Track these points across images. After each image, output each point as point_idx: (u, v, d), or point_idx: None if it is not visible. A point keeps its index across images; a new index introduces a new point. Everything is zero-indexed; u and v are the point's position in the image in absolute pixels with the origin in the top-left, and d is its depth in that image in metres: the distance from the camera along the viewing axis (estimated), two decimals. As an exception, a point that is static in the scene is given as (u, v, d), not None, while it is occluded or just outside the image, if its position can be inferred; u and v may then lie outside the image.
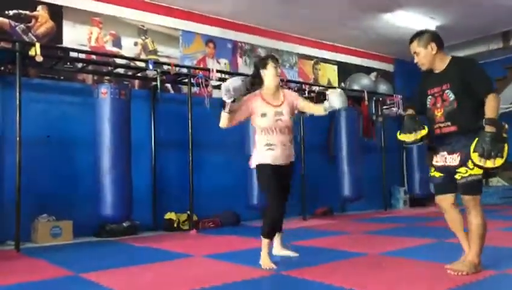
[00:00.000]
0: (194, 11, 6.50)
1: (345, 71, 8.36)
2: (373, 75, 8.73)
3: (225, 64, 6.83)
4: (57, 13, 5.41)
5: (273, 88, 3.35)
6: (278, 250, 3.56)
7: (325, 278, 2.81)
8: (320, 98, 7.27)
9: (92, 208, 4.90)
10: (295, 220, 6.45)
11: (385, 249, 3.84)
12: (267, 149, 3.27)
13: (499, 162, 2.57)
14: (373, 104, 7.90)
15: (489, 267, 2.89)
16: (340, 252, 3.79)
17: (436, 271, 2.90)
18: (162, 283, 2.91)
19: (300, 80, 7.56)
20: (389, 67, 9.17)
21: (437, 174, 2.94)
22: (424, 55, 2.90)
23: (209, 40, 6.71)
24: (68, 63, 5.23)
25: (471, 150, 2.63)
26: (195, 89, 5.81)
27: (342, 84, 8.19)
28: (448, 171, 2.84)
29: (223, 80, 6.24)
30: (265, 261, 3.20)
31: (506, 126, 2.68)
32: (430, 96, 2.94)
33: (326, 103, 3.32)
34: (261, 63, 3.41)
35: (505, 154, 2.58)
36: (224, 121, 3.25)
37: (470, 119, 2.74)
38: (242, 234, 5.15)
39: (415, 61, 2.98)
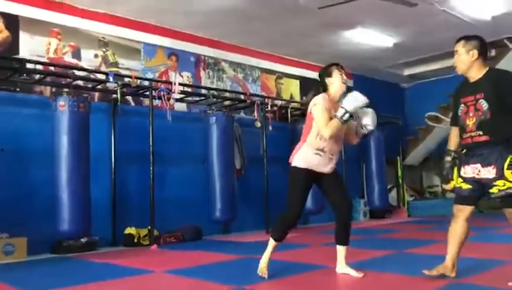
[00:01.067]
0: (156, 24, 6.47)
1: (307, 86, 8.48)
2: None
3: (188, 77, 6.81)
4: (13, 23, 5.27)
5: (338, 96, 3.27)
6: (342, 267, 3.37)
7: (286, 291, 2.81)
8: (282, 112, 7.37)
9: (48, 223, 4.74)
10: (258, 233, 6.45)
11: (348, 262, 3.88)
12: (315, 153, 3.23)
13: None
14: (334, 118, 8.03)
15: (447, 276, 2.96)
16: (301, 265, 3.81)
17: (395, 282, 2.96)
18: (121, 300, 2.84)
19: (263, 94, 7.62)
20: (349, 82, 9.33)
21: (464, 186, 2.91)
22: (462, 59, 2.92)
23: (171, 53, 6.68)
24: (25, 75, 5.08)
25: (505, 167, 2.66)
26: (157, 102, 5.76)
27: (304, 98, 8.31)
28: (480, 184, 2.83)
29: (185, 92, 6.25)
30: (261, 267, 3.25)
31: None
32: (462, 105, 2.93)
33: (359, 128, 3.31)
34: (325, 72, 3.36)
35: None
36: (336, 130, 3.14)
37: (503, 130, 2.75)
38: (204, 248, 5.11)
39: (454, 60, 2.98)
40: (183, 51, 6.80)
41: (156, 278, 3.56)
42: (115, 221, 5.68)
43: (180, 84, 5.99)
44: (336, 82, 3.28)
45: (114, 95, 5.68)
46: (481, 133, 2.80)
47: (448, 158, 3.02)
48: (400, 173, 9.17)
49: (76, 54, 5.75)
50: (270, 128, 6.98)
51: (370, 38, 7.38)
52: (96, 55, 5.93)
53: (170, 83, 5.96)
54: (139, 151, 5.85)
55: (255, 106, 6.83)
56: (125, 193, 5.87)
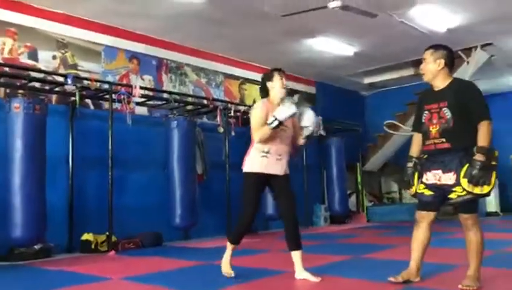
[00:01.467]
0: (117, 26, 6.37)
1: (270, 92, 8.53)
2: (296, 96, 9.00)
3: (149, 81, 6.73)
4: (-35, 21, 5.07)
5: (278, 99, 3.45)
6: (300, 272, 3.38)
7: (244, 297, 2.81)
8: (245, 117, 7.39)
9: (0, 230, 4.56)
10: (219, 239, 6.41)
11: (305, 266, 3.92)
12: (262, 156, 3.36)
13: (486, 189, 2.70)
14: (296, 125, 8.11)
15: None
16: (260, 271, 3.82)
17: (353, 286, 3.01)
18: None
19: (227, 99, 7.62)
20: (311, 89, 9.52)
21: (427, 192, 2.98)
22: (429, 67, 3.00)
23: (133, 56, 6.59)
24: (-23, 75, 4.90)
25: (461, 175, 2.74)
26: (117, 105, 5.66)
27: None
28: (441, 190, 2.90)
29: (146, 96, 6.16)
30: (225, 267, 3.35)
31: (497, 153, 2.80)
32: (426, 112, 3.00)
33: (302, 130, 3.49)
34: (267, 76, 3.54)
35: (492, 181, 2.71)
36: (267, 136, 3.31)
37: (463, 139, 2.83)
38: (164, 254, 5.04)
39: (420, 67, 3.08)
40: (145, 55, 6.72)
41: (112, 286, 3.49)
42: (72, 227, 5.53)
43: (141, 87, 5.91)
44: (276, 86, 3.46)
45: (73, 98, 5.53)
46: (444, 140, 2.89)
47: (410, 164, 3.10)
48: (359, 179, 9.35)
49: (33, 55, 5.58)
50: (233, 133, 6.99)
51: (332, 46, 7.52)
52: (54, 57, 5.77)
53: (131, 86, 5.88)
54: (98, 155, 5.73)
55: (218, 111, 6.82)
56: (83, 198, 5.72)
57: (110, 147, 5.42)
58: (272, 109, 3.37)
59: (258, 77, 8.30)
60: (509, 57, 8.42)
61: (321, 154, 9.00)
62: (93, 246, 5.38)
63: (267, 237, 6.86)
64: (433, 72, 3.00)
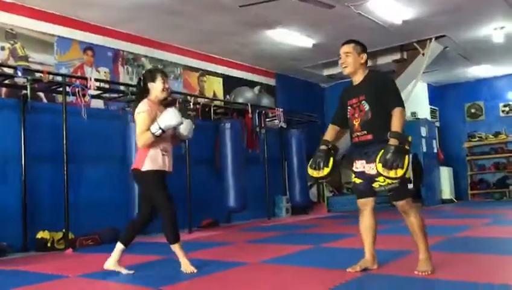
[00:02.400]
0: (71, 16, 6.15)
1: (230, 84, 8.51)
2: (256, 88, 9.00)
3: (105, 73, 6.55)
4: None
5: (159, 101, 3.52)
6: (114, 263, 3.49)
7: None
8: (205, 110, 7.33)
9: None
10: (180, 233, 6.34)
11: (266, 257, 3.94)
12: (162, 155, 3.43)
13: (400, 172, 2.76)
14: (256, 117, 8.14)
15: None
16: (222, 263, 3.80)
17: (313, 275, 3.04)
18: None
19: (186, 91, 7.53)
20: (271, 81, 9.53)
21: (357, 180, 3.10)
22: (353, 60, 3.08)
23: (87, 47, 6.38)
24: None
25: (377, 160, 2.81)
26: (71, 99, 5.48)
27: (227, 97, 8.32)
28: (367, 179, 3.01)
29: (102, 89, 5.99)
30: (187, 267, 3.34)
31: (410, 138, 2.91)
32: (349, 107, 3.14)
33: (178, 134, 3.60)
34: (150, 75, 3.53)
35: (405, 165, 2.78)
36: (150, 142, 3.36)
37: (383, 129, 2.91)
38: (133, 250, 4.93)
39: (341, 61, 3.13)
40: (100, 46, 6.52)
41: (69, 283, 3.39)
42: (26, 225, 5.32)
43: (96, 80, 5.74)
44: (158, 88, 3.49)
45: (24, 91, 5.31)
46: (365, 132, 3.03)
47: (323, 147, 3.18)
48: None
49: (-20, 46, 5.31)
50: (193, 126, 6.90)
51: (291, 38, 7.54)
52: (2, 48, 5.51)
53: (86, 78, 5.69)
54: (52, 150, 5.54)
55: (177, 103, 6.72)
56: (37, 195, 5.52)
57: (64, 142, 5.24)
58: (156, 109, 3.45)
59: (217, 68, 8.35)
60: (462, 48, 8.71)
61: (282, 146, 9.05)
62: (49, 244, 5.21)
63: (229, 229, 6.85)
64: (356, 65, 3.12)
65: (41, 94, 5.75)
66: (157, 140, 3.38)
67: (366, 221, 3.13)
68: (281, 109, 8.52)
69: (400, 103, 2.97)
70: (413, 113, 10.37)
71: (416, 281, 2.81)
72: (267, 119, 8.49)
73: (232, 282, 3.08)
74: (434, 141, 10.47)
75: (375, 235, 3.13)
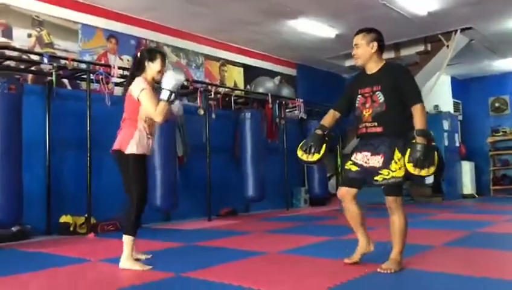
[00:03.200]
0: (95, 4, 6.21)
1: (251, 74, 8.50)
2: (277, 78, 8.97)
3: (128, 61, 6.60)
4: None
5: (152, 83, 3.35)
6: (129, 261, 3.25)
7: (225, 278, 2.82)
8: (225, 100, 7.35)
9: (-25, 212, 4.47)
10: (200, 221, 6.43)
11: (284, 248, 3.96)
12: (148, 138, 3.30)
13: (432, 170, 2.73)
14: (276, 107, 8.13)
15: (377, 261, 3.08)
16: (241, 252, 3.84)
17: (331, 267, 3.05)
18: (53, 291, 2.74)
19: (207, 80, 7.55)
20: (292, 71, 9.49)
21: (353, 168, 3.02)
22: (363, 51, 2.98)
23: (111, 35, 6.45)
24: (-52, 53, 4.73)
25: (406, 160, 2.75)
26: (95, 86, 5.55)
27: (248, 86, 8.32)
28: (367, 171, 2.94)
29: (125, 76, 6.04)
30: (133, 264, 3.17)
31: (432, 133, 2.85)
32: (359, 96, 3.02)
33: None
34: (148, 54, 3.36)
35: (435, 161, 2.74)
36: (167, 112, 3.24)
37: (396, 122, 2.86)
38: (143, 236, 4.98)
39: (353, 53, 3.04)
40: (124, 34, 6.58)
41: (92, 267, 3.46)
42: (50, 209, 5.45)
43: (119, 67, 5.80)
44: (154, 68, 3.32)
45: (49, 78, 5.40)
46: (376, 124, 2.93)
47: (319, 132, 3.13)
48: (339, 162, 9.43)
49: (8, 33, 5.40)
50: (214, 116, 6.94)
51: (313, 28, 7.48)
52: (29, 35, 5.61)
53: (109, 66, 5.76)
54: (76, 136, 5.64)
55: (198, 92, 6.76)
56: (61, 180, 5.64)
57: (88, 128, 5.33)
58: (151, 88, 3.30)
59: (238, 58, 8.33)
60: (488, 41, 8.52)
61: (302, 137, 9.02)
62: (71, 228, 5.33)
63: (247, 218, 6.89)
64: (367, 55, 3.01)
65: (66, 81, 5.84)
66: (147, 121, 3.27)
67: (351, 209, 3.07)
68: (301, 100, 8.49)
69: (420, 99, 2.89)
70: (436, 106, 10.22)
71: (438, 275, 2.80)
72: (287, 110, 8.48)
73: (250, 271, 3.10)
74: (456, 135, 10.32)
75: (365, 221, 3.11)
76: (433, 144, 2.81)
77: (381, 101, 2.91)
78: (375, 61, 3.02)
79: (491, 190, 10.85)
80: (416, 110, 2.84)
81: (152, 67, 3.33)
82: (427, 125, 2.83)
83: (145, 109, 3.23)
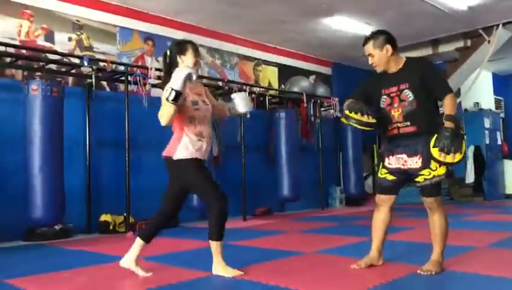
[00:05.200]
0: (132, 7, 6.34)
1: (285, 73, 8.48)
2: (312, 77, 8.92)
3: (158, 61, 6.70)
4: (-18, 4, 5.09)
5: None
6: (131, 262, 3.07)
7: (261, 277, 2.83)
8: (260, 99, 7.36)
9: (20, 210, 4.64)
10: (235, 220, 6.46)
11: (321, 248, 3.93)
12: (198, 140, 2.96)
13: (458, 157, 2.62)
14: (311, 106, 8.07)
15: (416, 262, 3.02)
16: (277, 252, 3.83)
17: (370, 268, 3.00)
18: (94, 288, 2.81)
19: (241, 80, 7.58)
20: (327, 70, 9.41)
21: (389, 177, 2.93)
22: (379, 58, 2.90)
23: (147, 37, 6.57)
24: (-5, 58, 4.93)
25: (431, 145, 2.66)
26: (132, 87, 5.67)
27: (282, 86, 8.30)
28: (406, 174, 2.87)
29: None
30: (222, 267, 2.96)
31: (463, 124, 2.80)
32: (385, 96, 2.92)
33: (230, 105, 3.20)
34: (178, 47, 3.04)
35: (463, 150, 2.64)
36: (171, 114, 2.81)
37: (429, 119, 2.78)
38: (180, 235, 5.09)
39: (370, 62, 2.95)
40: (160, 36, 6.68)
41: (131, 265, 3.52)
42: (90, 208, 5.61)
43: (156, 69, 5.90)
44: (188, 61, 2.99)
45: (88, 80, 5.55)
46: (408, 123, 2.83)
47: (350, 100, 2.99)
48: (376, 161, 9.28)
49: (50, 37, 5.59)
50: (248, 115, 6.92)
51: (348, 26, 7.39)
52: (70, 39, 5.78)
53: (146, 68, 5.86)
54: (115, 137, 5.77)
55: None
56: (100, 180, 5.78)
57: (126, 129, 5.44)
58: (189, 85, 2.97)
59: (273, 58, 8.33)
60: (531, 36, 8.19)
61: (337, 136, 8.94)
62: (111, 227, 5.46)
63: (282, 218, 6.88)
64: (384, 60, 2.91)
65: (104, 83, 5.99)
66: (192, 123, 2.94)
67: (381, 216, 3.01)
68: (336, 99, 8.40)
69: (449, 89, 2.81)
70: (476, 104, 9.90)
71: (481, 278, 2.71)
72: (322, 109, 8.41)
73: (286, 270, 3.09)
74: (498, 133, 9.97)
75: (387, 233, 3.04)
76: (462, 132, 2.71)
77: (410, 99, 2.82)
78: (394, 60, 2.93)
79: (536, 190, 10.42)
80: (447, 99, 2.76)
81: (185, 60, 3.00)
82: (456, 113, 2.74)
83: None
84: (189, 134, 2.95)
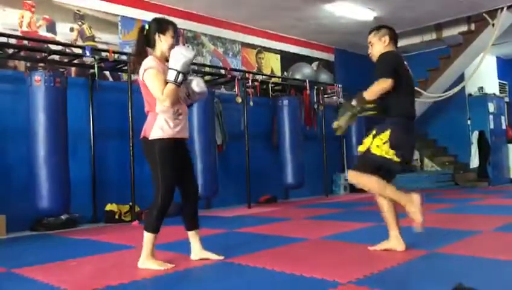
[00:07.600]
0: (133, -4, 6.31)
1: (288, 60, 8.44)
2: (314, 64, 8.88)
3: (167, 51, 6.68)
4: (-17, -5, 5.07)
5: (164, 60, 2.89)
6: (198, 253, 3.12)
7: (267, 263, 2.84)
8: (263, 87, 7.34)
9: (27, 201, 4.68)
10: (240, 208, 6.49)
11: (325, 234, 3.94)
12: (175, 118, 2.85)
13: (336, 124, 3.08)
14: (314, 93, 8.05)
15: (422, 247, 3.04)
16: (282, 238, 3.85)
17: (374, 253, 3.02)
18: (102, 276, 2.83)
19: (244, 68, 7.56)
20: (329, 56, 9.36)
21: (396, 159, 3.01)
22: (376, 47, 3.12)
23: (149, 26, 6.53)
24: (-3, 49, 4.93)
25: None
26: (135, 77, 5.65)
27: (285, 73, 8.27)
28: None
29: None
30: (153, 263, 2.94)
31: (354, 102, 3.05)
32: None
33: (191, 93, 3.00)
34: (158, 26, 2.89)
35: (340, 119, 3.08)
36: (175, 95, 2.77)
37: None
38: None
39: (369, 51, 3.17)
40: (162, 25, 6.65)
41: (137, 253, 3.54)
42: (95, 198, 5.64)
43: (159, 58, 5.88)
44: (165, 42, 2.86)
45: (91, 70, 5.55)
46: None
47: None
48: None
49: (51, 28, 5.58)
50: (251, 103, 6.95)
51: (351, 12, 7.33)
52: (72, 29, 5.76)
53: (149, 57, 5.84)
54: (118, 127, 5.78)
55: (236, 81, 6.78)
56: (106, 170, 5.81)
57: (130, 119, 5.45)
58: (163, 67, 2.83)
59: (275, 45, 8.28)
60: (536, 19, 8.11)
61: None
62: (117, 216, 5.49)
63: (286, 205, 6.90)
64: (381, 49, 3.09)
65: (107, 73, 5.98)
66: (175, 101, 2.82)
67: (388, 202, 3.09)
68: (339, 85, 8.37)
69: (380, 75, 2.95)
70: (481, 88, 9.85)
71: (486, 261, 2.72)
72: (326, 96, 8.38)
73: (292, 257, 3.11)
74: (502, 117, 9.93)
75: (398, 215, 3.09)
76: (353, 104, 3.04)
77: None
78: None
79: (541, 174, 10.40)
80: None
81: (163, 40, 2.86)
82: (369, 95, 3.00)
83: (151, 91, 2.79)
84: (167, 113, 2.83)
